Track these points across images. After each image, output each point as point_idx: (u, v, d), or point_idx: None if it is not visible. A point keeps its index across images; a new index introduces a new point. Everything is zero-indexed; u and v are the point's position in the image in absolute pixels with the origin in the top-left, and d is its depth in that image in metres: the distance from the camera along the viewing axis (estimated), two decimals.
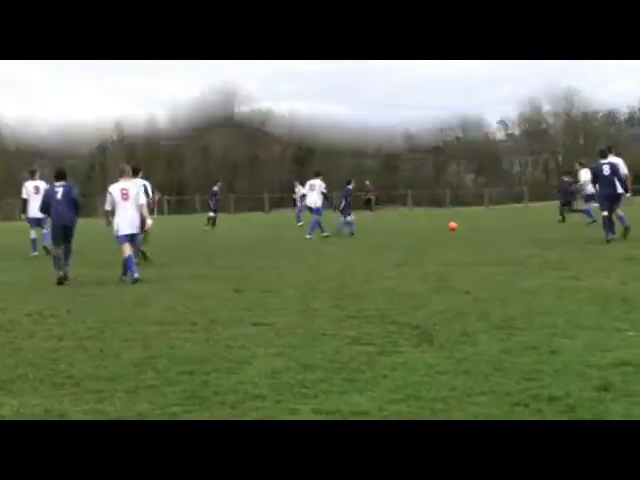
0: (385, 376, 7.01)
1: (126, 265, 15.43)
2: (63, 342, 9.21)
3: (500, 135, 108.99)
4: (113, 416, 6.11)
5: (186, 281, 14.93)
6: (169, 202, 75.92)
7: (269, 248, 23.28)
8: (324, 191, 29.04)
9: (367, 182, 65.47)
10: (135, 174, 18.70)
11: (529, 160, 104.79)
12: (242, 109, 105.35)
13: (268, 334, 9.24)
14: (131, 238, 15.73)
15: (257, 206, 70.77)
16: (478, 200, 66.78)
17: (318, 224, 27.65)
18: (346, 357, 7.82)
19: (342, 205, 28.86)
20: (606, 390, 6.24)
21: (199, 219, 42.17)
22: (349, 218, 28.60)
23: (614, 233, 20.19)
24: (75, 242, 16.44)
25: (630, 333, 8.47)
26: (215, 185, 39.39)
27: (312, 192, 28.65)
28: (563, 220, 31.26)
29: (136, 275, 15.17)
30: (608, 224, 20.30)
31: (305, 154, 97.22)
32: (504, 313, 9.99)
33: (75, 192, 16.35)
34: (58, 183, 16.34)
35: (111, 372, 7.56)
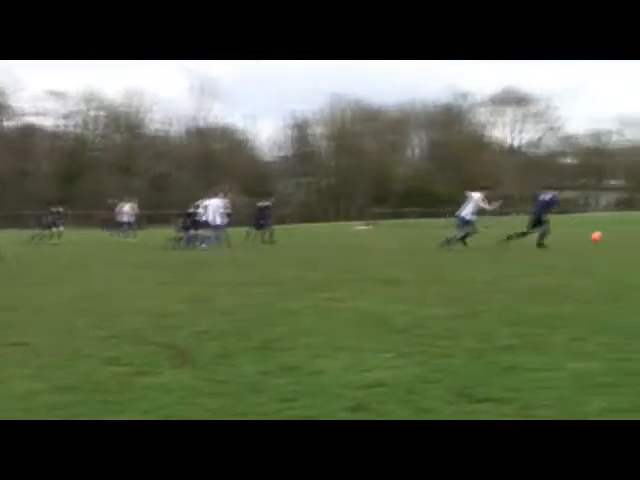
0: (142, 397, 6.88)
1: None
2: None
3: (270, 156, 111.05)
4: None
5: None
6: None
7: (31, 268, 22.58)
8: None
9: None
10: None
11: (301, 181, 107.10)
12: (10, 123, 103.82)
13: (24, 354, 8.89)
14: None
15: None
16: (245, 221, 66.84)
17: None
18: (103, 378, 7.63)
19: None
20: (360, 410, 6.35)
21: None
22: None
23: None
24: None
25: (388, 355, 8.66)
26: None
27: None
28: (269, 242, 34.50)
29: None
30: None
31: (71, 170, 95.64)
32: (265, 334, 10.02)
33: None
34: None
35: None
